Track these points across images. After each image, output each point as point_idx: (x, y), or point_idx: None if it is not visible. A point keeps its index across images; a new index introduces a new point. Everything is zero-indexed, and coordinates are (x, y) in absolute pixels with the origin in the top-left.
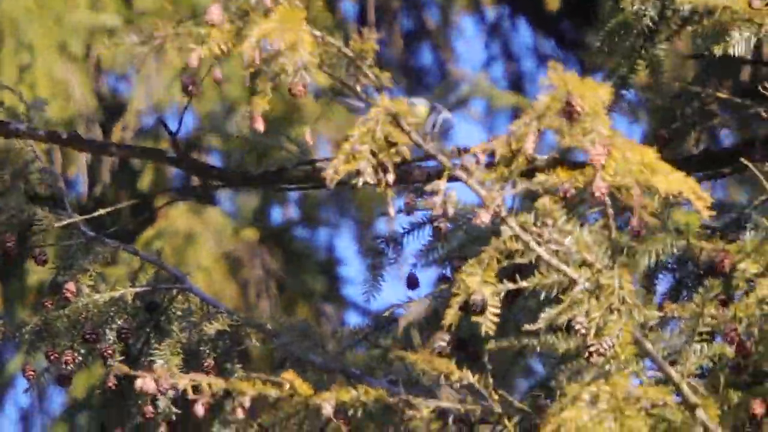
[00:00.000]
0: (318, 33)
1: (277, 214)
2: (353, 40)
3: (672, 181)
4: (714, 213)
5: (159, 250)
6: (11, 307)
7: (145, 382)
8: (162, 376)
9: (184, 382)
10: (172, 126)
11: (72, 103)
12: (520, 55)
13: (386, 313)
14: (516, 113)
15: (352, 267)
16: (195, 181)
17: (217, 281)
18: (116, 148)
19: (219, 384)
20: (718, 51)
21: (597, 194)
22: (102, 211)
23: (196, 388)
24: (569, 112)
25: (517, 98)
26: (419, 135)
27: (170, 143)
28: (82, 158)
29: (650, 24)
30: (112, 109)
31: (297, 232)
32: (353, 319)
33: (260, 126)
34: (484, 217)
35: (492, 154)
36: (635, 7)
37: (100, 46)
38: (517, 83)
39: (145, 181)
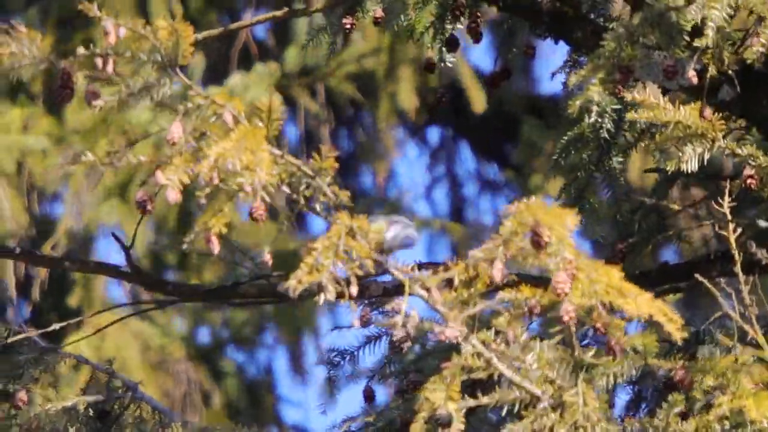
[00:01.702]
0: (277, 152)
1: (204, 335)
2: (313, 159)
3: (641, 303)
4: (686, 335)
5: (111, 360)
6: None
7: None
8: None
9: None
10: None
11: (3, 221)
12: (463, 179)
13: (342, 429)
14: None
15: (286, 386)
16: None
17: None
18: (70, 263)
19: None
20: (670, 167)
21: (565, 318)
22: (56, 326)
23: None
24: (536, 242)
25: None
26: (379, 251)
27: (125, 258)
28: (11, 276)
29: (607, 137)
30: (43, 227)
31: (227, 351)
32: None
33: (215, 248)
34: (450, 333)
35: (450, 281)
36: (592, 120)
37: (31, 165)
38: (458, 207)
39: (74, 298)
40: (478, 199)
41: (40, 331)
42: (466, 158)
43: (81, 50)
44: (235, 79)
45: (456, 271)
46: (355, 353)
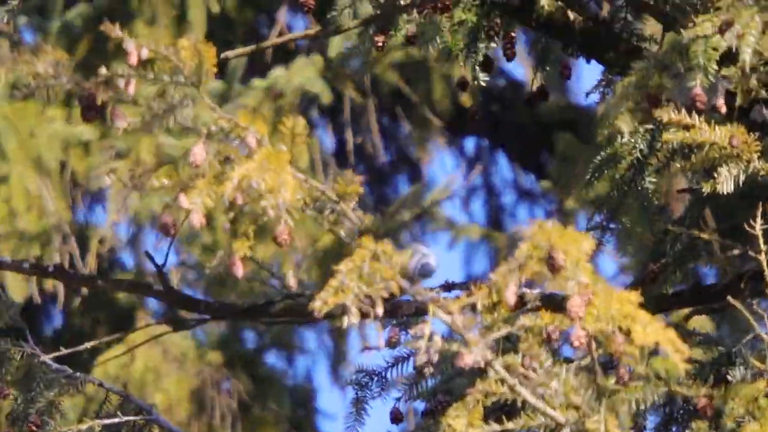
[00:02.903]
0: (301, 175)
1: (248, 339)
2: (338, 183)
3: (649, 332)
4: (690, 366)
5: (125, 383)
6: None
7: None
8: None
9: None
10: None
11: (46, 217)
12: (500, 188)
13: None
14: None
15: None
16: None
17: (179, 404)
18: (102, 281)
19: None
20: (706, 188)
21: (576, 344)
22: (64, 351)
23: None
24: (552, 265)
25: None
26: (403, 277)
27: (157, 276)
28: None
29: (640, 156)
30: (87, 223)
31: (267, 358)
32: None
33: (239, 272)
34: (468, 359)
35: (473, 306)
36: (625, 140)
37: (74, 162)
38: (496, 217)
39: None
40: (515, 209)
41: (52, 355)
42: (503, 167)
43: (103, 71)
44: (279, 70)
45: (479, 295)
46: (383, 374)
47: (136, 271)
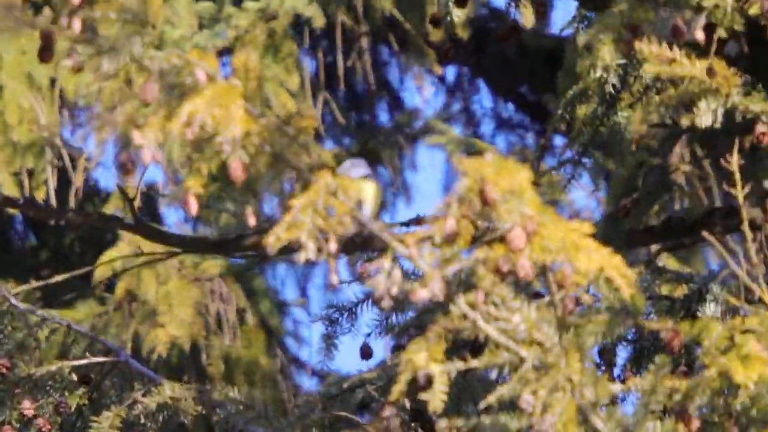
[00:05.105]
0: (255, 110)
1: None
2: (293, 118)
3: (594, 258)
4: (633, 291)
5: (94, 323)
6: None
7: None
8: None
9: None
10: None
11: (40, 131)
12: (479, 117)
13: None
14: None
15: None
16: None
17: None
18: (74, 215)
19: None
20: (685, 122)
21: (522, 274)
22: (35, 284)
23: None
24: (484, 199)
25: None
26: (360, 210)
27: (129, 210)
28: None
29: (612, 91)
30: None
31: (261, 270)
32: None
33: (194, 209)
34: (422, 294)
35: (430, 239)
36: (597, 75)
37: (64, 76)
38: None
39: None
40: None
41: (14, 291)
42: (483, 96)
43: (47, 12)
44: None
45: (436, 229)
46: (353, 309)
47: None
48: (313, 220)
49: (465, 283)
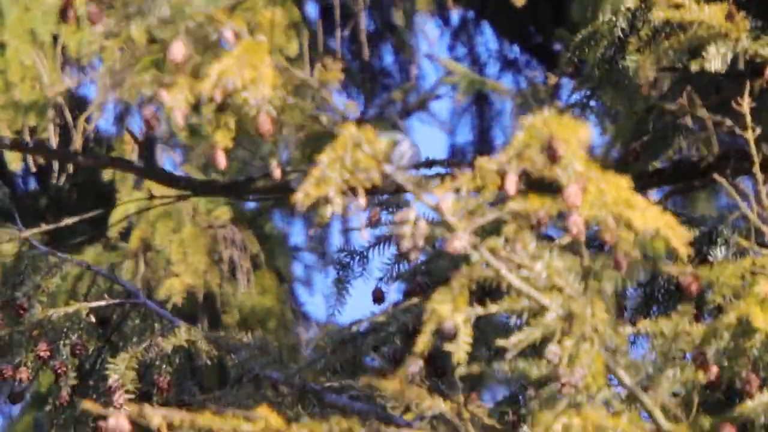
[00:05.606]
0: (281, 65)
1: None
2: (318, 70)
3: (648, 217)
4: (691, 250)
5: (113, 264)
6: None
7: (118, 422)
8: (136, 414)
9: (157, 419)
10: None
11: (42, 90)
12: (485, 59)
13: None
14: (479, 109)
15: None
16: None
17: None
18: (83, 158)
19: (192, 420)
20: (694, 66)
21: (574, 231)
22: (49, 226)
23: (170, 425)
24: (551, 156)
25: (481, 84)
26: (386, 163)
27: (137, 152)
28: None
29: (621, 35)
30: (77, 97)
31: (272, 216)
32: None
33: (222, 163)
34: (456, 245)
35: (458, 190)
36: (606, 18)
37: (67, 33)
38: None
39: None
40: (499, 79)
41: (30, 231)
42: (488, 38)
43: None
44: None
45: (463, 180)
46: (365, 253)
47: (119, 150)
48: (340, 175)
49: (486, 230)
